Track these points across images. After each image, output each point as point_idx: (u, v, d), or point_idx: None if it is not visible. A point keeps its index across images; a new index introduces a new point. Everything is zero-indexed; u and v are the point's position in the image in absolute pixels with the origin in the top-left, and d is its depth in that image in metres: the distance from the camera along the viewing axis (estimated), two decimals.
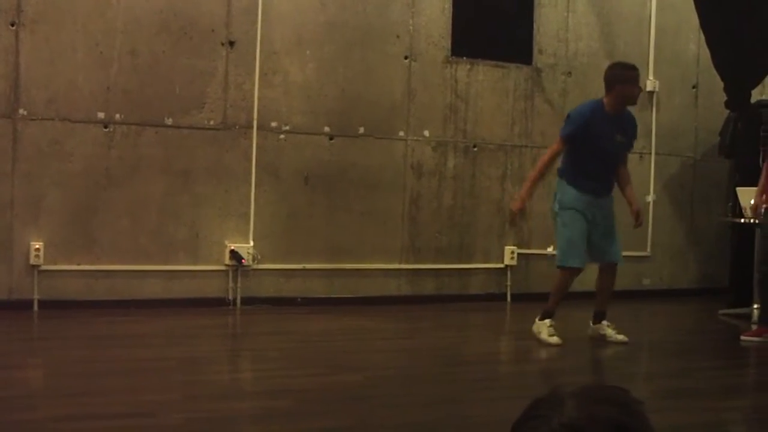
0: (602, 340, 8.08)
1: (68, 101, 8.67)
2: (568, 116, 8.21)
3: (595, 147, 7.89)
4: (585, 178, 7.95)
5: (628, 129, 8.16)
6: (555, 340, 7.87)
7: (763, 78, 10.86)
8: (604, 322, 8.15)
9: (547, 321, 7.93)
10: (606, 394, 1.63)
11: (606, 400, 1.61)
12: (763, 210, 8.60)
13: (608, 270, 8.22)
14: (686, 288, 11.48)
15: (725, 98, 10.45)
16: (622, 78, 7.99)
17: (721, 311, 10.00)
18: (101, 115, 8.77)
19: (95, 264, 8.78)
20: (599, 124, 7.92)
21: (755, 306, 8.95)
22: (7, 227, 8.53)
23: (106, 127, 8.79)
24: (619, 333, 8.09)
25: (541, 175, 8.13)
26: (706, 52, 10.68)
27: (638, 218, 8.17)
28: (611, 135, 7.96)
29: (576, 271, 8.03)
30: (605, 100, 8.02)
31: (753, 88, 10.51)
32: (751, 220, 9.09)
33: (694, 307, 10.90)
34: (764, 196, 8.60)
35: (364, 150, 9.79)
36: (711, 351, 8.52)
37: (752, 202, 8.91)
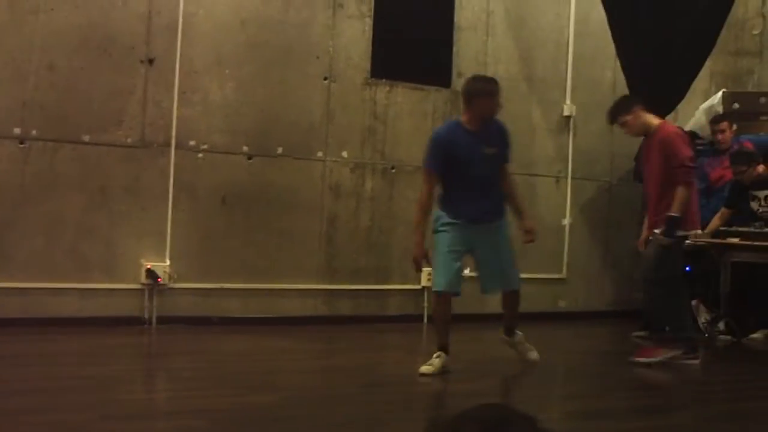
0: (516, 361, 8.05)
1: None
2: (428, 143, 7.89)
3: (462, 168, 7.53)
4: (457, 203, 7.58)
5: (498, 139, 7.72)
6: (423, 368, 7.42)
7: (676, 105, 11.06)
8: (519, 333, 8.01)
9: (438, 353, 7.52)
10: (488, 414, 1.64)
11: (485, 419, 1.62)
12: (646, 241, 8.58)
13: (508, 296, 7.97)
14: (601, 310, 11.61)
15: None
16: (482, 91, 7.62)
17: (634, 333, 10.12)
18: (17, 130, 8.68)
19: (9, 282, 8.66)
20: (460, 143, 7.53)
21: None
22: None
23: (22, 143, 8.70)
24: (531, 350, 8.03)
25: (424, 217, 7.64)
26: (622, 79, 10.85)
27: (529, 234, 7.85)
28: (477, 150, 7.53)
29: (445, 296, 7.61)
30: (464, 117, 7.68)
31: (667, 114, 10.66)
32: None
33: (609, 329, 11.05)
34: (649, 230, 8.59)
35: (283, 170, 9.79)
36: (623, 372, 8.61)
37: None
